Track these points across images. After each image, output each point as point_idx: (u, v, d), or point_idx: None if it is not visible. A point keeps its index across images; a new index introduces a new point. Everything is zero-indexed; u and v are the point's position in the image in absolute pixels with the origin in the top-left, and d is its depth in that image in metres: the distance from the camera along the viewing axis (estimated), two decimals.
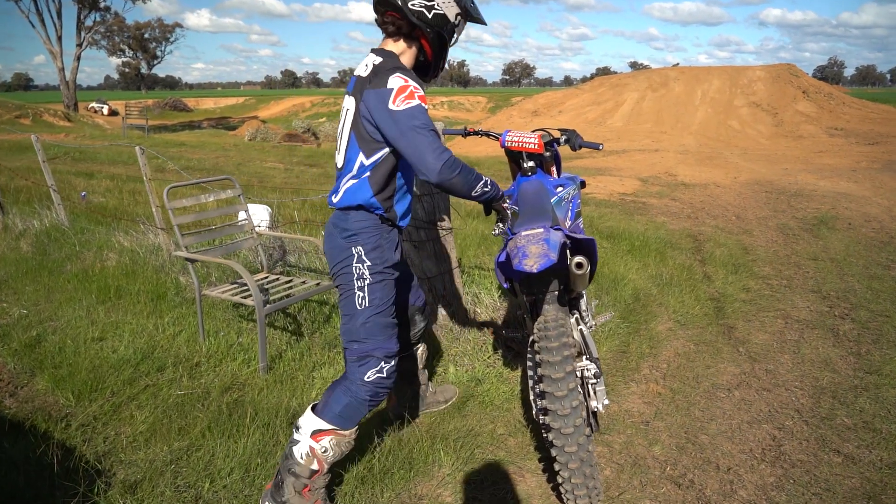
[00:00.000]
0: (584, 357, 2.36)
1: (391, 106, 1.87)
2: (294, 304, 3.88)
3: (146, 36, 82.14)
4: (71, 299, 4.06)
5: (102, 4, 45.36)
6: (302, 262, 4.50)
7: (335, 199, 2.10)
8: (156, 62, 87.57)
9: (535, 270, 1.99)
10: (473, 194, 2.06)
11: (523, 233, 2.26)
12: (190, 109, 73.68)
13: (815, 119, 19.48)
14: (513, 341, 3.22)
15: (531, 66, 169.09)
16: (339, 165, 2.11)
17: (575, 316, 2.52)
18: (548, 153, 2.55)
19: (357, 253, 2.05)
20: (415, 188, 3.11)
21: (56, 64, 44.52)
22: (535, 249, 2.08)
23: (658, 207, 7.65)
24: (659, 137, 18.48)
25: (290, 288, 3.47)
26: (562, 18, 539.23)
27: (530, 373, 2.42)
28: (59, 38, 43.35)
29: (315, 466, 2.03)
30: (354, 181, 2.02)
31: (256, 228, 6.04)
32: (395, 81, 1.89)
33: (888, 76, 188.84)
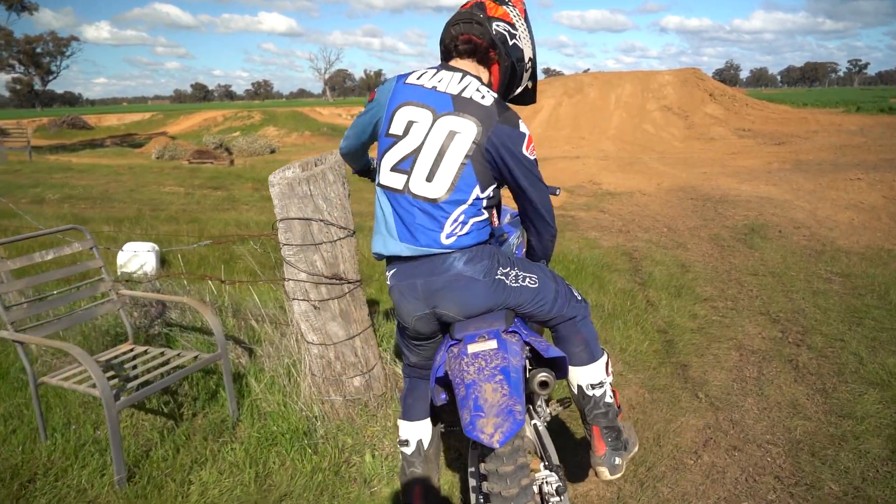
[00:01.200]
0: (542, 464, 1.81)
1: (525, 153, 1.79)
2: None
3: (38, 50, 76.46)
4: None
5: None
6: (186, 320, 3.73)
7: (446, 238, 1.78)
8: (51, 77, 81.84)
9: (496, 445, 1.47)
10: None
11: (470, 348, 1.70)
12: (91, 127, 69.04)
13: (724, 121, 20.14)
14: (452, 433, 2.60)
15: None
16: (439, 195, 1.77)
17: (528, 411, 2.00)
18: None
19: (502, 274, 1.84)
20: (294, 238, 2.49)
21: None
22: (492, 399, 1.55)
23: (588, 221, 7.30)
24: (578, 143, 18.55)
25: (164, 364, 2.75)
26: None
27: (472, 482, 1.85)
28: None
29: (614, 394, 2.12)
30: (478, 218, 1.81)
31: (139, 273, 5.20)
32: (524, 127, 1.79)
33: (778, 77, 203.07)
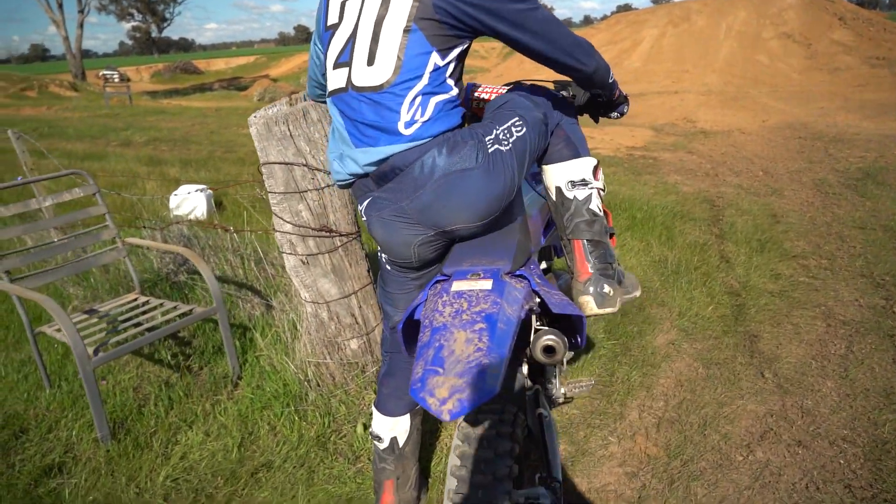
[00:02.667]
0: (537, 475, 1.45)
1: None
2: (189, 327, 3.05)
3: None
4: None
5: None
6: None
7: (405, 129, 1.40)
8: (165, 25, 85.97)
9: (446, 417, 1.03)
10: (611, 79, 1.61)
11: (455, 285, 1.31)
12: (201, 72, 72.59)
13: (854, 48, 17.69)
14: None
15: (548, 6, 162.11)
16: (384, 80, 1.40)
17: (534, 390, 1.62)
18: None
19: (492, 143, 1.43)
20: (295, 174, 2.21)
21: (60, 32, 43.71)
22: (461, 352, 1.11)
23: (671, 163, 6.57)
24: (680, 77, 17.02)
25: (166, 312, 2.62)
26: None
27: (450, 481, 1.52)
28: (60, 6, 42.40)
29: (606, 211, 1.76)
30: (442, 96, 1.43)
31: (192, 216, 5.19)
32: None
33: None
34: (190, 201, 5.11)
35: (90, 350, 2.24)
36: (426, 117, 1.41)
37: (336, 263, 2.35)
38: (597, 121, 1.97)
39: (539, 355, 1.31)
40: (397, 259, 1.52)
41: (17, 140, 3.80)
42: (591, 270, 1.67)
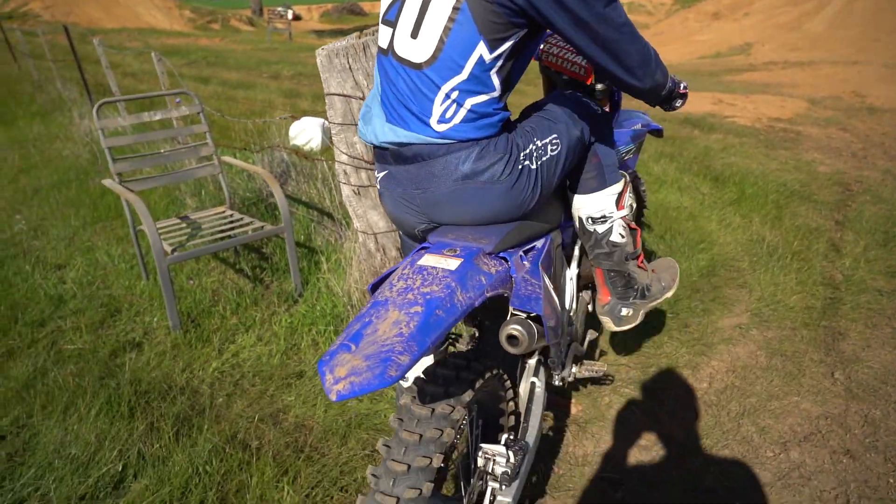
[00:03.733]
0: (505, 436, 1.42)
1: None
2: (272, 245, 3.33)
3: None
4: (67, 216, 3.86)
5: None
6: (301, 192, 3.87)
7: (444, 127, 1.31)
8: None
9: (333, 397, 1.00)
10: (664, 93, 1.52)
11: (423, 259, 1.30)
12: (366, 13, 75.24)
13: None
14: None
15: None
16: (424, 59, 1.28)
17: (536, 361, 1.63)
18: (600, 85, 1.81)
19: (525, 158, 1.40)
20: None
21: None
22: (382, 334, 1.09)
23: (815, 140, 5.87)
24: (867, 47, 14.88)
25: (242, 227, 2.89)
26: None
27: None
28: None
29: (632, 232, 1.79)
30: (478, 99, 1.29)
31: (308, 146, 5.54)
32: None
33: None
34: (307, 132, 5.42)
35: (168, 248, 2.54)
36: (458, 119, 1.30)
37: None
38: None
39: (504, 342, 1.32)
40: (405, 232, 1.55)
41: (157, 62, 4.25)
42: (609, 296, 1.81)
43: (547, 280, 1.44)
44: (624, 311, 1.80)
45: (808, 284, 3.01)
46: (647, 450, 2.05)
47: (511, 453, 1.37)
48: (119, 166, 2.82)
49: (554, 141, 1.46)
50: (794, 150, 5.50)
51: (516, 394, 1.57)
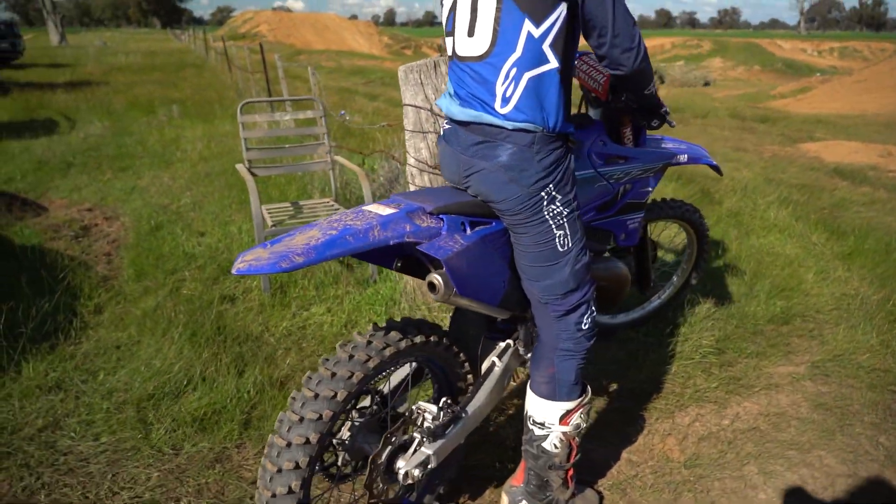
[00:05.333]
0: (442, 399, 1.64)
1: None
2: None
3: None
4: (230, 198, 4.65)
5: None
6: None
7: (501, 106, 1.47)
8: None
9: (233, 270, 1.26)
10: (647, 92, 1.72)
11: (371, 205, 1.54)
12: None
13: None
14: None
15: None
16: (483, 51, 1.47)
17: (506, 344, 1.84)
18: (615, 104, 1.95)
19: (548, 193, 1.53)
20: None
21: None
22: (295, 241, 1.33)
23: None
24: None
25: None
26: None
27: None
28: None
29: (570, 448, 1.77)
30: (537, 70, 1.44)
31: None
32: None
33: None
34: None
35: (270, 222, 3.06)
36: (517, 95, 1.44)
37: None
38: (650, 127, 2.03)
39: (426, 289, 1.54)
40: (446, 178, 1.73)
41: (312, 75, 4.96)
42: (521, 484, 1.81)
43: (484, 248, 1.59)
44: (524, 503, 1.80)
45: (892, 346, 2.76)
46: (633, 464, 2.09)
47: (441, 413, 1.59)
48: (250, 154, 3.43)
49: (564, 242, 1.58)
50: None
51: (474, 368, 1.77)
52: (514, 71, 1.43)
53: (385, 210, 1.50)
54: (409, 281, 2.94)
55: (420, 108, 2.62)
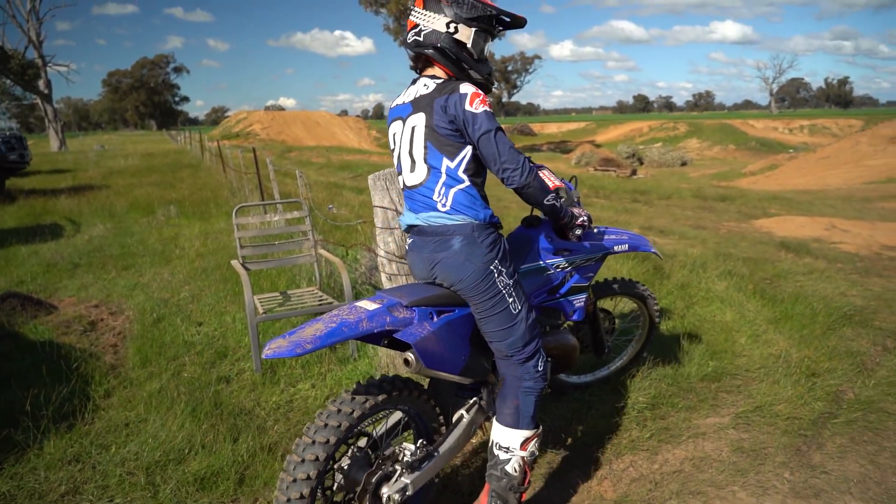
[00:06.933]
0: (420, 441, 2.14)
1: (469, 108, 1.97)
2: None
3: (509, 68, 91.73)
4: (223, 291, 5.10)
5: None
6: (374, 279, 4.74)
7: (442, 207, 2.07)
8: (515, 91, 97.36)
9: (262, 355, 1.81)
10: (546, 202, 2.14)
11: (361, 301, 2.07)
12: (535, 134, 79.87)
13: None
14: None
15: None
16: (420, 180, 2.10)
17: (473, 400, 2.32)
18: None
19: (496, 268, 2.08)
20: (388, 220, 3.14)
21: None
22: (306, 332, 1.82)
23: None
24: None
25: (320, 303, 3.79)
26: None
27: None
28: None
29: (525, 474, 2.20)
30: (458, 187, 2.06)
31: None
32: (467, 87, 2.01)
33: None
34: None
35: (261, 310, 3.49)
36: (450, 201, 2.06)
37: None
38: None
39: (403, 363, 2.03)
40: (417, 278, 2.28)
41: (299, 177, 5.55)
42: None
43: (447, 331, 2.08)
44: None
45: (806, 399, 3.16)
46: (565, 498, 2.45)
47: (418, 451, 2.06)
48: (244, 251, 3.92)
49: (516, 305, 2.12)
50: (890, 278, 5.38)
51: (447, 419, 2.24)
52: (443, 189, 2.07)
53: (371, 305, 2.03)
54: (383, 357, 3.36)
55: (387, 208, 3.14)
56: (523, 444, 2.16)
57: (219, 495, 2.44)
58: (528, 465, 2.20)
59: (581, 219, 2.39)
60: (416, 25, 2.13)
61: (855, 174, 18.21)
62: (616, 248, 2.87)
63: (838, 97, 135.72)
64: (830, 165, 21.04)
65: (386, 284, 3.25)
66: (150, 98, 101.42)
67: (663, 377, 3.33)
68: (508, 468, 2.16)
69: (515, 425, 2.16)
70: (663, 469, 2.67)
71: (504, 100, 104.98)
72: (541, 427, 2.25)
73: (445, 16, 2.08)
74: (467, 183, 2.06)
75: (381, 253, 3.22)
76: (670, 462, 2.72)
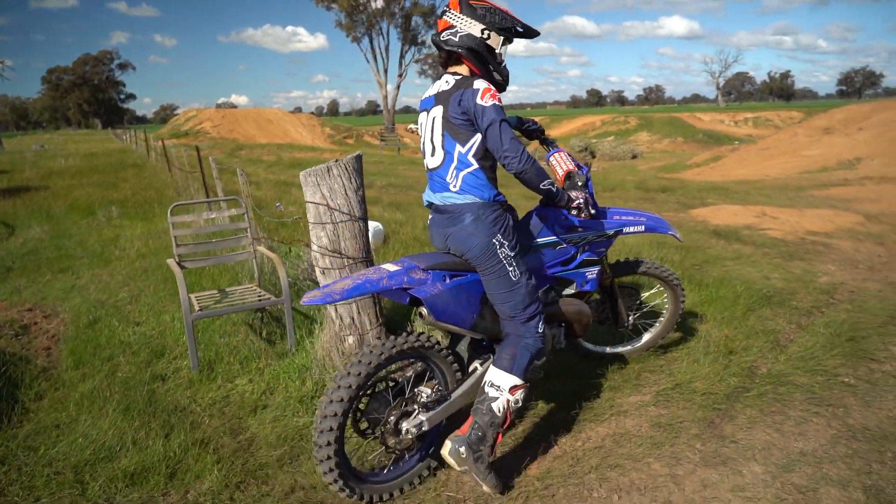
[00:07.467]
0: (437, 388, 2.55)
1: (480, 101, 2.31)
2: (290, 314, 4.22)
3: None
4: (157, 289, 5.05)
5: (420, 40, 52.63)
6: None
7: (453, 188, 2.45)
8: None
9: (301, 302, 2.28)
10: (542, 187, 2.45)
11: (385, 264, 2.46)
12: None
13: None
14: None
15: (877, 73, 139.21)
16: (438, 163, 2.49)
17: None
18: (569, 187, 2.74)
19: (498, 241, 2.44)
20: (323, 217, 3.19)
21: (381, 92, 53.24)
22: (338, 285, 2.26)
23: (842, 252, 5.99)
24: None
25: (259, 299, 3.81)
26: None
27: None
28: (385, 71, 51.78)
29: (505, 418, 2.49)
30: (467, 170, 2.42)
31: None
32: (481, 83, 2.35)
33: None
34: None
35: (197, 307, 3.50)
36: (459, 182, 2.43)
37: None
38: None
39: (422, 318, 2.44)
40: (435, 248, 2.66)
41: (241, 175, 5.51)
42: (464, 435, 2.44)
43: (458, 291, 2.48)
44: (462, 451, 2.41)
45: (723, 375, 3.36)
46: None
47: (433, 394, 2.52)
48: (180, 250, 3.90)
49: (515, 273, 2.47)
50: (811, 261, 5.69)
51: (462, 367, 2.66)
52: (454, 172, 2.44)
53: (393, 267, 2.41)
54: (319, 350, 3.40)
55: (318, 203, 3.19)
56: (511, 389, 2.45)
57: (149, 490, 2.46)
58: (511, 411, 2.48)
59: (577, 202, 2.61)
60: (452, 27, 2.44)
61: (792, 164, 18.98)
62: (628, 228, 3.14)
63: (781, 90, 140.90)
64: (770, 156, 21.86)
65: (320, 278, 3.30)
66: (93, 96, 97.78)
67: (591, 360, 3.48)
68: (494, 406, 2.44)
69: (509, 370, 2.47)
70: (585, 446, 2.81)
71: None
72: (528, 384, 2.54)
73: (481, 23, 2.42)
74: (475, 166, 2.42)
75: (315, 248, 3.27)
76: (592, 439, 2.86)
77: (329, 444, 2.19)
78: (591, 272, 3.01)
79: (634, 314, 3.47)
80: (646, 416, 3.04)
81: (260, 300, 3.77)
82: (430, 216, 2.62)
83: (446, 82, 2.45)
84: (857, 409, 3.05)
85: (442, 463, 2.57)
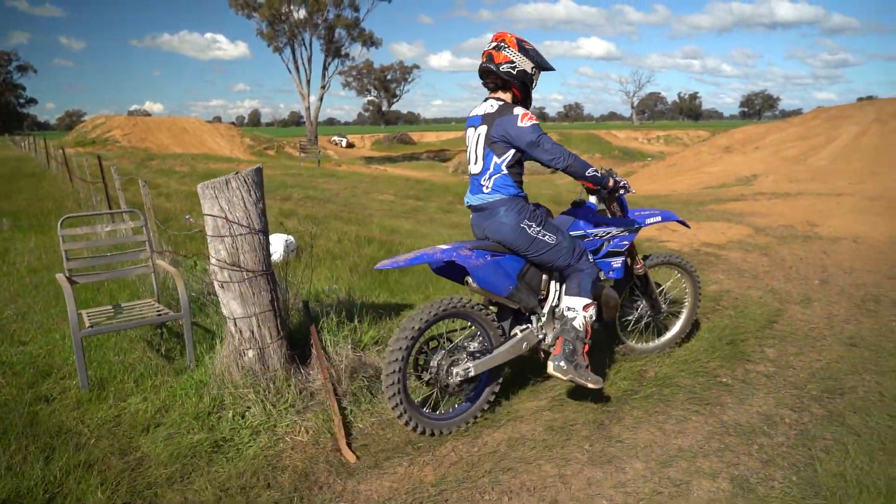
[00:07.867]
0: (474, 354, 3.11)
1: (520, 124, 2.93)
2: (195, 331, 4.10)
3: (388, 77, 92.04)
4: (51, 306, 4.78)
5: (343, 52, 52.38)
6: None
7: (486, 190, 3.06)
8: (395, 100, 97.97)
9: (376, 267, 2.96)
10: (588, 174, 3.10)
11: (441, 245, 3.07)
12: (414, 142, 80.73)
13: None
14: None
15: (774, 96, 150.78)
16: (478, 170, 3.10)
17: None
18: (598, 194, 3.43)
19: (526, 224, 3.04)
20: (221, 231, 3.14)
21: (304, 104, 52.45)
22: (404, 256, 2.95)
23: (730, 262, 6.44)
24: (865, 179, 15.49)
25: (158, 314, 3.69)
26: (816, 44, 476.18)
27: None
28: (308, 82, 51.07)
29: (586, 331, 3.13)
30: (498, 175, 3.02)
31: (274, 257, 6.43)
32: (519, 110, 2.98)
33: None
34: (272, 246, 6.37)
35: (88, 323, 3.35)
36: (491, 185, 3.05)
37: (243, 291, 3.20)
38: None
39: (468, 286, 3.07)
40: (477, 238, 3.25)
41: (143, 186, 5.32)
42: (560, 352, 3.07)
43: (496, 266, 3.04)
44: (563, 364, 3.03)
45: (614, 379, 3.55)
46: (393, 490, 2.59)
47: (479, 346, 3.13)
48: (71, 264, 3.72)
49: (552, 237, 3.09)
50: (703, 271, 6.08)
51: (504, 331, 3.22)
52: (488, 177, 3.06)
53: (445, 246, 3.03)
54: (218, 365, 3.33)
55: (216, 216, 3.14)
56: (585, 307, 3.12)
57: None
58: (589, 324, 3.13)
59: (623, 181, 3.28)
60: (512, 61, 3.01)
61: (696, 180, 20.19)
62: (648, 220, 3.66)
63: (690, 110, 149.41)
64: (677, 172, 23.18)
65: (219, 292, 3.25)
66: None
67: None
68: (576, 324, 3.10)
69: (578, 294, 3.13)
70: (481, 451, 2.90)
71: (384, 108, 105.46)
72: (594, 303, 3.17)
73: (532, 62, 3.06)
74: (505, 172, 3.02)
75: (213, 261, 3.21)
76: (489, 444, 2.95)
77: (394, 383, 2.80)
78: (617, 261, 3.50)
79: (666, 303, 3.94)
80: (541, 420, 3.16)
81: (159, 315, 3.65)
82: (471, 216, 3.20)
83: (491, 106, 3.05)
84: (731, 407, 3.30)
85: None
